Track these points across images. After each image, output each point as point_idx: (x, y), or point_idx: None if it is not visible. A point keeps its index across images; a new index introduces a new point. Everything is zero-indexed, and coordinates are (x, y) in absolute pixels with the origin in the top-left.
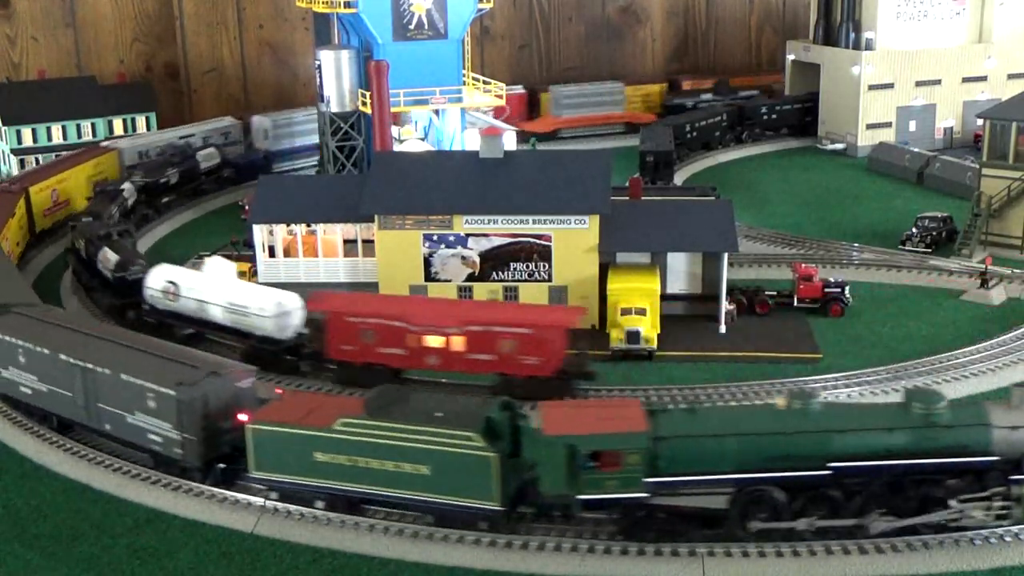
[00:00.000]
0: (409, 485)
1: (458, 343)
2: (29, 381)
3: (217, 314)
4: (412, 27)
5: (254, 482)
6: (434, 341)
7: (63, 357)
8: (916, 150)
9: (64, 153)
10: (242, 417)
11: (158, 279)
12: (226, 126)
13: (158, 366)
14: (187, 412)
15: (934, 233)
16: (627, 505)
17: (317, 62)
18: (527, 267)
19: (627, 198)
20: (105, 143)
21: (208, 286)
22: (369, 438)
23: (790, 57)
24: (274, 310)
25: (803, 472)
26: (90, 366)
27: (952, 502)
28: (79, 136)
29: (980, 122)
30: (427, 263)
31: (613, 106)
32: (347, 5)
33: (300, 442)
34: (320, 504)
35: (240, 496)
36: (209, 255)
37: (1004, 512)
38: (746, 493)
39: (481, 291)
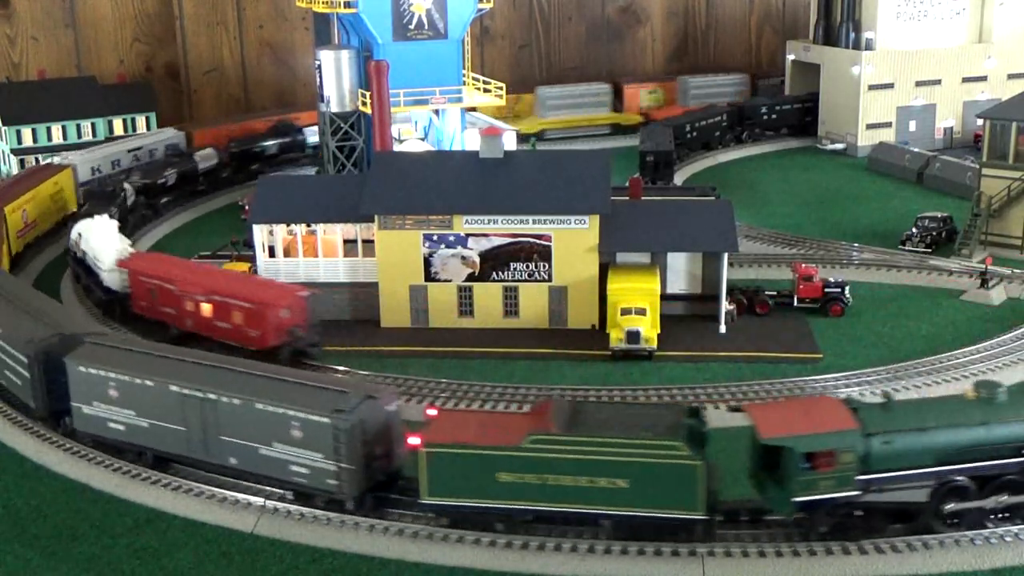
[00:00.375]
0: (603, 499)
1: (206, 310)
2: (123, 416)
3: (92, 265)
4: (412, 27)
5: (425, 509)
6: (190, 305)
7: (175, 388)
8: (916, 150)
9: (14, 173)
10: (414, 441)
11: (76, 230)
12: (170, 137)
13: (301, 393)
14: (345, 440)
15: (934, 233)
16: (835, 505)
17: (317, 62)
18: (527, 267)
19: (627, 198)
20: (57, 159)
21: (91, 241)
22: (562, 454)
23: (790, 57)
24: (110, 265)
25: (999, 461)
26: (213, 396)
27: None
28: (79, 136)
29: (980, 122)
30: (427, 263)
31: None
32: (347, 5)
33: (483, 463)
34: (500, 527)
35: (240, 496)
36: (209, 255)
37: None
38: (946, 485)
39: (481, 291)
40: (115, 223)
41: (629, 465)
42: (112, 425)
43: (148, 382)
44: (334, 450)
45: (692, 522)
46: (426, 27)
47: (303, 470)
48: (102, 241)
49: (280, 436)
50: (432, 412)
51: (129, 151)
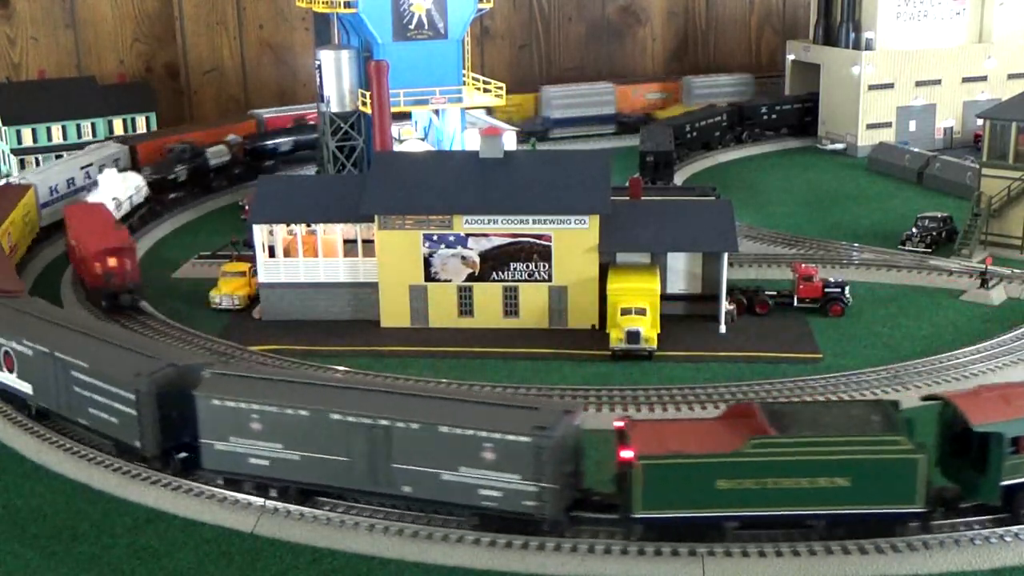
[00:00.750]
0: (821, 499)
1: (77, 255)
2: (268, 451)
3: None
4: (412, 27)
5: (636, 523)
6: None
7: (338, 417)
8: (916, 150)
9: None
10: (626, 454)
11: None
12: (114, 152)
13: (489, 413)
14: (549, 459)
15: (934, 233)
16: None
17: (317, 62)
18: (527, 267)
19: (627, 198)
20: (14, 179)
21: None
22: (784, 456)
23: (790, 57)
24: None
25: None
26: (386, 423)
27: None
28: (79, 136)
29: (980, 122)
30: (427, 263)
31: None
32: (347, 5)
33: (702, 471)
34: (726, 533)
35: (240, 496)
36: (209, 255)
37: None
38: None
39: (481, 291)
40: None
41: (851, 463)
42: (254, 461)
43: (302, 412)
44: (535, 470)
45: (911, 515)
46: (426, 27)
47: (494, 493)
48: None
49: (467, 459)
50: (619, 423)
51: (82, 168)
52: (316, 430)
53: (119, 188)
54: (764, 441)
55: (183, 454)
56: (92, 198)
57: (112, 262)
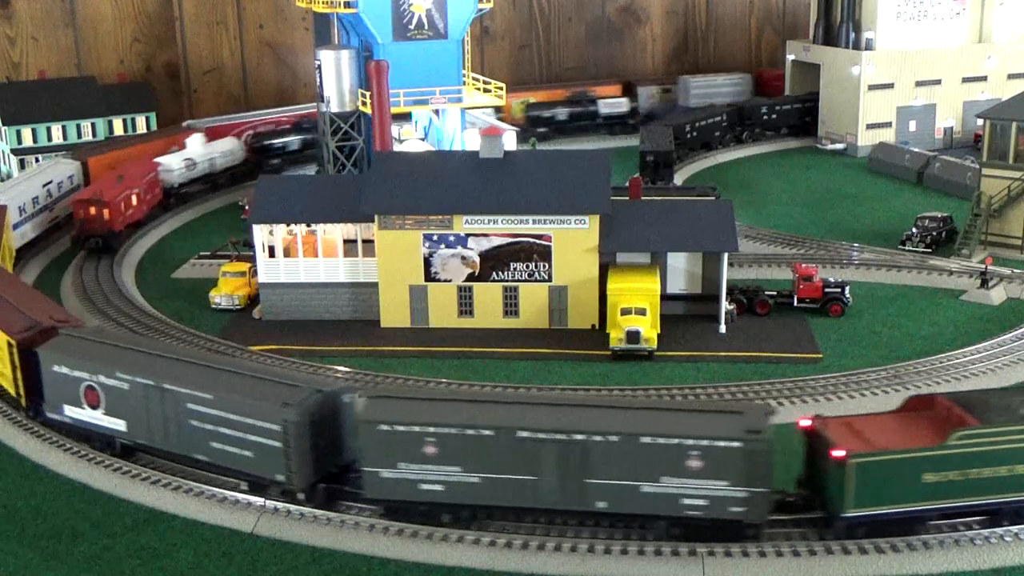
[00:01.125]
0: (1019, 487)
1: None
2: (443, 475)
3: None
4: (412, 27)
5: (845, 522)
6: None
7: (526, 434)
8: (916, 150)
9: None
10: (838, 453)
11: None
12: (68, 170)
13: (693, 420)
14: (761, 463)
15: (934, 233)
16: None
17: (317, 62)
18: (527, 267)
19: (627, 198)
20: None
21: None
22: (989, 447)
23: (790, 57)
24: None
25: None
26: (581, 437)
27: None
28: (79, 136)
29: (980, 122)
30: (427, 263)
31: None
32: (347, 5)
33: (910, 466)
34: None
35: (240, 496)
36: (209, 255)
37: None
38: None
39: (481, 291)
40: None
41: None
42: (425, 487)
43: (485, 432)
44: (746, 475)
45: None
46: (426, 27)
47: (700, 502)
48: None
49: (670, 469)
50: (806, 422)
51: (43, 185)
52: (500, 450)
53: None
54: (969, 432)
55: (325, 484)
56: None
57: (91, 211)
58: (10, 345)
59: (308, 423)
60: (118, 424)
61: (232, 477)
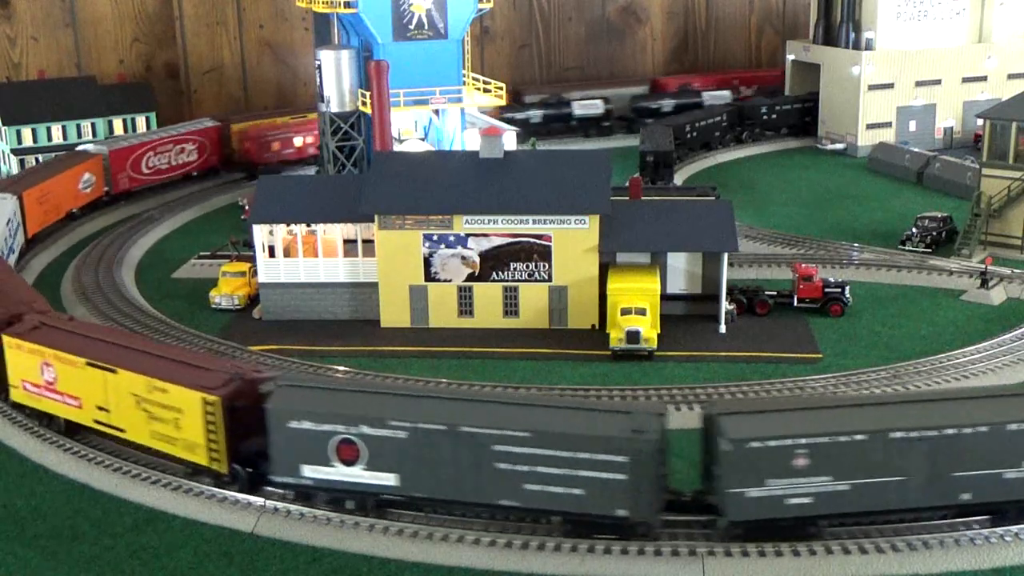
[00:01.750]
0: None
1: None
2: (814, 487)
3: None
4: (412, 27)
5: None
6: None
7: (899, 435)
8: (916, 150)
9: None
10: None
11: None
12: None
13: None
14: None
15: (934, 233)
16: None
17: (317, 62)
18: (527, 267)
19: (627, 198)
20: None
21: None
22: None
23: (790, 57)
24: None
25: None
26: (952, 431)
27: None
28: (79, 136)
29: (980, 122)
30: (427, 263)
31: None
32: (347, 5)
33: None
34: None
35: (240, 496)
36: (209, 255)
37: None
38: None
39: (481, 291)
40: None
41: None
42: (793, 501)
43: (858, 436)
44: None
45: None
46: (426, 27)
47: None
48: None
49: None
50: None
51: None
52: (873, 453)
53: None
54: None
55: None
56: None
57: None
58: None
59: (657, 451)
60: (387, 480)
61: (543, 516)
